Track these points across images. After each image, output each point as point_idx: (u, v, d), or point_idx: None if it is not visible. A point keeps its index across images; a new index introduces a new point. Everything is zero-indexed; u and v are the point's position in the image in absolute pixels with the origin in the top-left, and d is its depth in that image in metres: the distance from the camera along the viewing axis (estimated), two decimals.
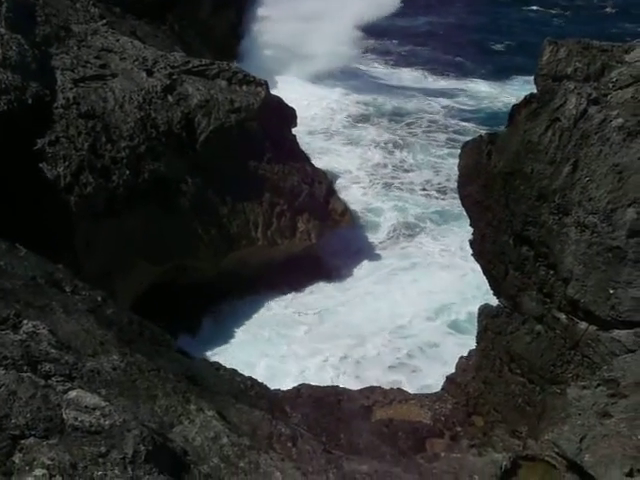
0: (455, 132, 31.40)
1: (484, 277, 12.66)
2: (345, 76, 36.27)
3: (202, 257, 18.81)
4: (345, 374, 17.28)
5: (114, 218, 16.85)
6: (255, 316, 19.62)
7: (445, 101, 35.78)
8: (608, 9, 67.48)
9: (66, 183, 16.08)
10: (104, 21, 22.98)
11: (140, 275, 17.50)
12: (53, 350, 6.18)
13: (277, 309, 20.03)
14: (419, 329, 19.07)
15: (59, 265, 10.38)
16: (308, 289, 20.74)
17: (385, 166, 27.86)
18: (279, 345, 18.49)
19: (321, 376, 16.79)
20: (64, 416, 5.17)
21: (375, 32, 42.87)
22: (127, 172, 17.17)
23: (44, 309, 7.74)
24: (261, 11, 40.50)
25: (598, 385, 8.78)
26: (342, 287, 20.85)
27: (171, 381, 7.07)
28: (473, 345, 13.49)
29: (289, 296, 20.47)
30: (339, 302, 20.25)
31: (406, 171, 27.47)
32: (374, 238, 22.84)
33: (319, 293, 20.62)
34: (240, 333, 19.04)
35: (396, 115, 33.73)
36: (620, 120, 9.65)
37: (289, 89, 30.32)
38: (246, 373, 11.12)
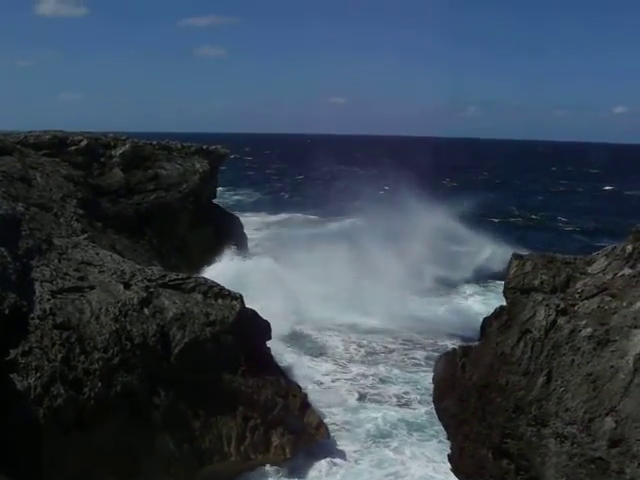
0: (431, 348, 31.52)
1: None
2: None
3: (172, 473, 18.03)
4: None
5: (83, 431, 16.32)
6: None
7: (419, 325, 35.71)
8: (562, 224, 72.07)
9: (36, 394, 15.74)
10: (85, 235, 23.84)
11: None
12: None
13: None
14: None
15: None
16: None
17: (361, 377, 27.80)
18: None
19: None
20: None
21: None
22: (99, 384, 16.91)
23: None
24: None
25: None
26: None
27: None
28: None
29: None
30: None
31: (381, 382, 27.36)
32: (349, 448, 22.17)
33: None
34: None
35: (368, 333, 33.85)
36: (589, 330, 9.94)
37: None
38: None
